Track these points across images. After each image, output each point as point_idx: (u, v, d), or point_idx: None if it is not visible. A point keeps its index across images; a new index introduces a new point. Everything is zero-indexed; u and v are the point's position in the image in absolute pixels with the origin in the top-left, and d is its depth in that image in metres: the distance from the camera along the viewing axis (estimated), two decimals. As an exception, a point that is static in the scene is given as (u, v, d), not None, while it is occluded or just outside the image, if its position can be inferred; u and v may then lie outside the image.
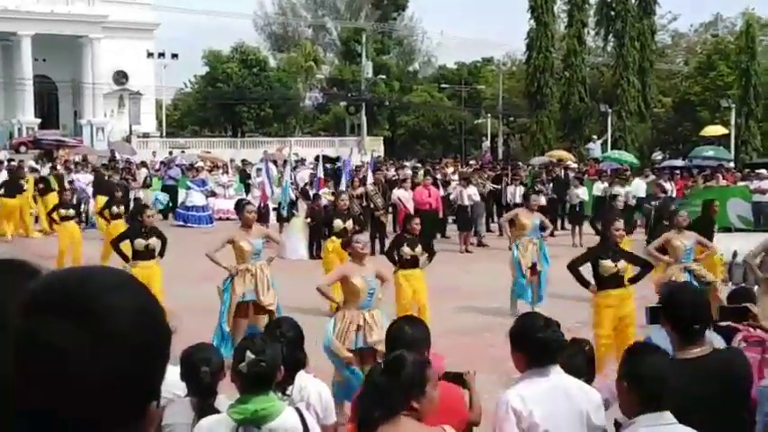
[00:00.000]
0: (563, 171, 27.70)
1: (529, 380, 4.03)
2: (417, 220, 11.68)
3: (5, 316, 1.16)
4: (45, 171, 27.63)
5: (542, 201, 17.29)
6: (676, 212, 12.07)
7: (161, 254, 11.22)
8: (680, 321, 4.06)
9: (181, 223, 25.41)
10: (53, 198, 23.71)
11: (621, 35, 50.07)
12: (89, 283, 1.20)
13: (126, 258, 11.03)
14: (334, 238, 13.69)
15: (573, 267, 9.37)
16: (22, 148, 43.42)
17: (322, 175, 23.86)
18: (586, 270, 9.37)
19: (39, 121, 53.73)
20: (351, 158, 24.75)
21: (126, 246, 11.23)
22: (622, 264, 9.25)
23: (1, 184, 22.60)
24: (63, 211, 17.08)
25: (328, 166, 31.00)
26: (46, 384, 1.13)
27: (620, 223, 9.60)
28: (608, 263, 9.13)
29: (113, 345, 1.15)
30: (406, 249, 10.99)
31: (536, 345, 4.03)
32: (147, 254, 11.01)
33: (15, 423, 1.17)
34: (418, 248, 11.06)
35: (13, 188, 22.35)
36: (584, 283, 9.38)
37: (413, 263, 11.01)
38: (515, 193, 23.09)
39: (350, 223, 13.87)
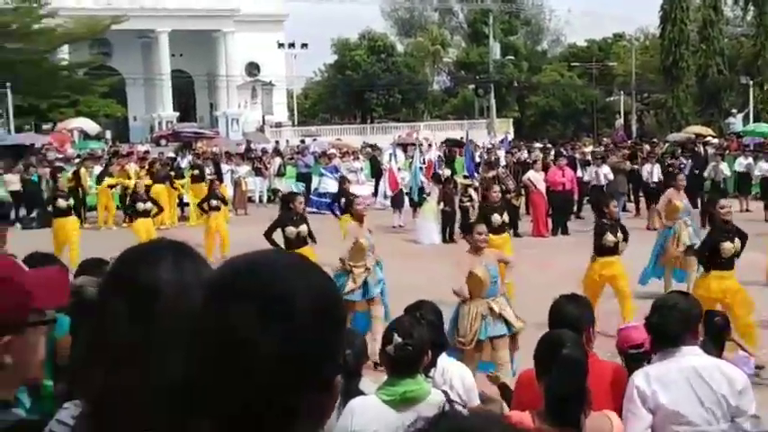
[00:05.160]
0: (702, 147, 26.74)
1: (659, 361, 4.02)
2: (614, 203, 11.32)
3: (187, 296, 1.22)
4: (185, 163, 28.59)
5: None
6: None
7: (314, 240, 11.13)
8: None
9: (314, 210, 25.82)
10: (202, 187, 24.72)
11: (762, 3, 47.82)
12: (268, 267, 1.25)
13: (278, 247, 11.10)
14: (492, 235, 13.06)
15: (701, 253, 9.21)
16: (163, 141, 45.15)
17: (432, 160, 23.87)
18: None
19: (177, 114, 55.72)
20: (469, 142, 24.47)
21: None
22: (737, 243, 8.96)
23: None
24: (214, 202, 17.61)
25: (456, 149, 30.95)
26: (235, 368, 1.18)
27: (725, 201, 9.31)
28: (728, 245, 8.85)
29: (298, 324, 1.20)
30: (609, 237, 10.59)
31: (652, 325, 4.06)
32: (298, 241, 11.03)
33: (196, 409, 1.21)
34: (620, 234, 10.68)
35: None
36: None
37: (614, 249, 10.64)
38: (652, 170, 22.43)
39: (506, 217, 13.54)
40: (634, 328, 4.95)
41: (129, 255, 1.69)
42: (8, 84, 41.27)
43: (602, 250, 10.64)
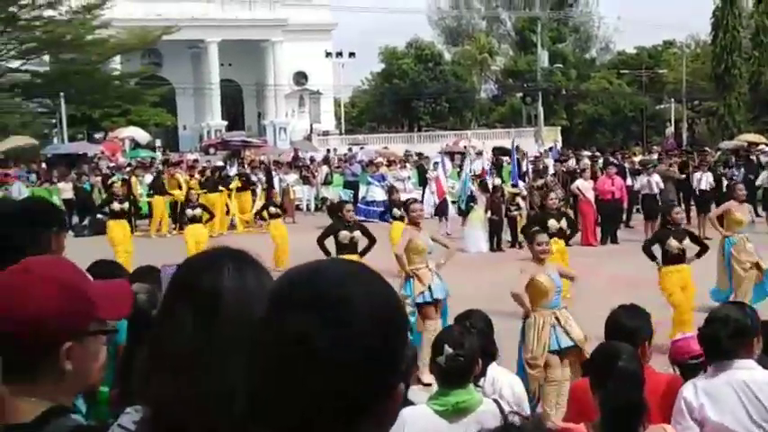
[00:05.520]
0: (756, 156, 26.33)
1: (710, 374, 3.94)
2: (678, 209, 11.00)
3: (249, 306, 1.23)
4: (233, 172, 28.85)
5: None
6: None
7: (363, 253, 11.02)
8: None
9: (362, 218, 25.84)
10: (247, 196, 25.05)
11: (817, 9, 47.01)
12: (327, 276, 1.26)
13: (328, 254, 11.07)
14: (555, 239, 12.38)
15: None
16: (212, 150, 45.57)
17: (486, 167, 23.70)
18: None
19: (225, 123, 56.23)
20: (515, 150, 24.27)
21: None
22: None
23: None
24: (273, 210, 17.63)
25: (504, 158, 30.77)
26: (295, 378, 1.19)
27: None
28: None
29: (358, 331, 1.20)
30: (673, 243, 10.17)
31: (705, 338, 3.97)
32: (351, 247, 10.98)
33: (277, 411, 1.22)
34: (686, 241, 10.27)
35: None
36: None
37: (680, 257, 10.22)
38: (701, 178, 22.11)
39: (564, 222, 13.28)
40: (692, 338, 4.86)
41: (192, 262, 1.71)
42: (62, 93, 42.07)
43: (666, 258, 10.28)
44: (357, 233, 11.15)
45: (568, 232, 13.39)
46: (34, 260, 1.84)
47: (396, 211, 17.12)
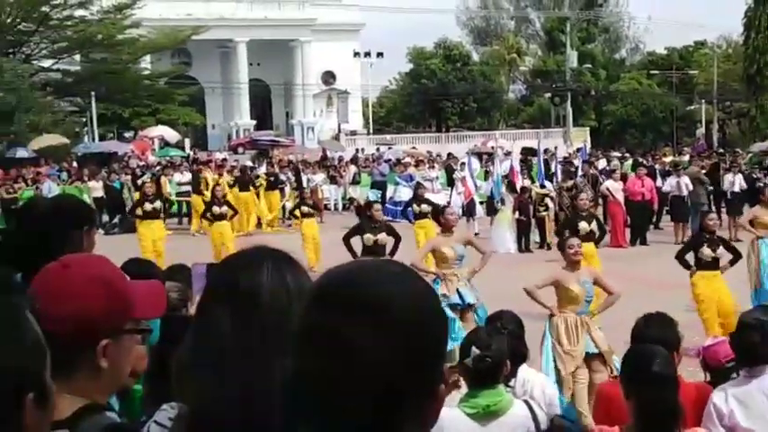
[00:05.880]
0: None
1: (741, 379, 3.92)
2: (712, 216, 10.81)
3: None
4: (261, 171, 28.97)
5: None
6: None
7: (391, 254, 10.94)
8: None
9: (389, 218, 25.82)
10: (276, 195, 25.18)
11: None
12: (366, 276, 1.25)
13: (354, 254, 11.06)
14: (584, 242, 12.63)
15: None
16: (240, 149, 45.78)
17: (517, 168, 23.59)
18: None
19: (254, 122, 56.44)
20: (545, 151, 24.08)
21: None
22: None
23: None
24: (305, 209, 17.66)
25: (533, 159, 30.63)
26: (335, 377, 1.19)
27: None
28: None
29: (396, 333, 1.20)
30: (706, 251, 10.02)
31: (738, 343, 3.94)
32: (376, 249, 10.96)
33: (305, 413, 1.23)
34: (720, 249, 10.10)
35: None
36: None
37: (713, 265, 10.07)
38: (734, 181, 21.88)
39: (594, 225, 13.09)
40: (724, 342, 4.78)
41: (231, 261, 1.72)
42: (93, 92, 42.46)
43: (699, 265, 10.14)
44: (382, 235, 11.14)
45: (597, 234, 13.22)
46: (73, 257, 1.85)
47: (416, 207, 16.98)
